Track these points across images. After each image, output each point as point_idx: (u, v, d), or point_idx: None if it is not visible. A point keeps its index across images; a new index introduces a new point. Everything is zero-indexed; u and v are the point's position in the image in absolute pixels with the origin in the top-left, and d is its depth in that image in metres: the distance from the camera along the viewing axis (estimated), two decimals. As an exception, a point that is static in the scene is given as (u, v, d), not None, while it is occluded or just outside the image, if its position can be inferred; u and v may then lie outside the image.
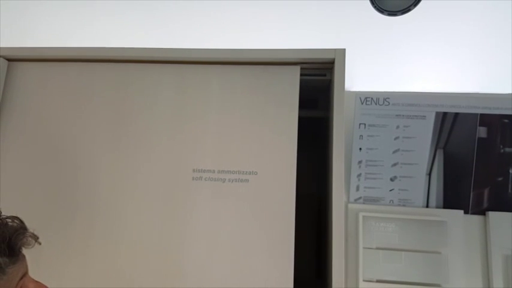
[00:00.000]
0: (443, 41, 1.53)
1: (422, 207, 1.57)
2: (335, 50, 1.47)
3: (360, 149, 1.61)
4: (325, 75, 1.53)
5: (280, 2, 1.44)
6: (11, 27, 1.68)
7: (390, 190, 1.58)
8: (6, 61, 1.62)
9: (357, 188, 1.60)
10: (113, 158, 1.48)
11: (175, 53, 1.52)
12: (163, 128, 1.49)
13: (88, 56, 1.57)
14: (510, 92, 1.58)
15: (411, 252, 1.51)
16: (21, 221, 0.87)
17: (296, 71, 1.48)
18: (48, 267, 1.41)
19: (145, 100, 1.52)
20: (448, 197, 1.56)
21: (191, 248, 1.39)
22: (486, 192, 1.54)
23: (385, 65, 1.66)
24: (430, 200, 1.56)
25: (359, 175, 1.60)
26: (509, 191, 1.53)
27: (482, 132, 1.55)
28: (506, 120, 1.55)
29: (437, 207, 1.56)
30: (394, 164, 1.59)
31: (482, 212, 1.54)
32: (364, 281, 1.51)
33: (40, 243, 0.88)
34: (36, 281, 0.89)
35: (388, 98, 1.61)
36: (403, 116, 1.60)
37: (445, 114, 1.57)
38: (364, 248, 1.53)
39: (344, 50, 1.46)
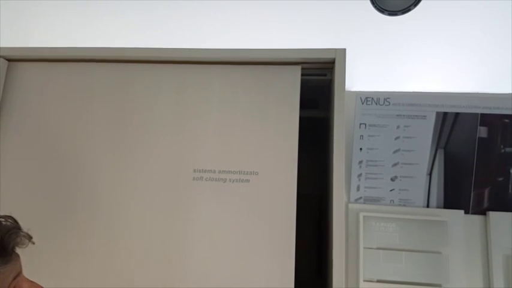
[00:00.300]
0: (444, 40, 1.53)
1: (423, 207, 1.57)
2: (335, 49, 1.47)
3: (361, 149, 1.61)
4: (325, 75, 1.53)
5: (280, 2, 1.44)
6: (11, 27, 1.68)
7: (391, 190, 1.58)
8: (6, 61, 1.62)
9: (358, 188, 1.60)
10: (113, 158, 1.48)
11: (175, 53, 1.52)
12: (163, 128, 1.49)
13: (88, 56, 1.57)
14: (510, 91, 1.58)
15: (412, 252, 1.51)
16: (15, 221, 0.86)
17: (297, 71, 1.48)
18: (48, 267, 1.41)
19: (146, 100, 1.52)
20: (448, 197, 1.55)
21: (192, 248, 1.38)
22: (487, 192, 1.54)
23: (386, 64, 1.65)
24: (430, 200, 1.56)
25: (359, 175, 1.60)
26: (510, 191, 1.53)
27: (482, 132, 1.55)
28: (506, 120, 1.55)
29: (437, 207, 1.56)
30: (395, 164, 1.59)
31: (482, 212, 1.54)
32: (364, 281, 1.51)
33: (34, 243, 0.87)
34: (31, 281, 0.89)
35: (389, 98, 1.61)
36: (403, 116, 1.59)
37: (445, 114, 1.57)
38: (364, 248, 1.53)
39: (344, 49, 1.46)
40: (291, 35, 1.60)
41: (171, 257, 1.39)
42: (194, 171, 1.44)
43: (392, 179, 1.58)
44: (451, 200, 1.55)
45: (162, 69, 1.54)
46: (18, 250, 0.86)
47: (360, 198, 1.59)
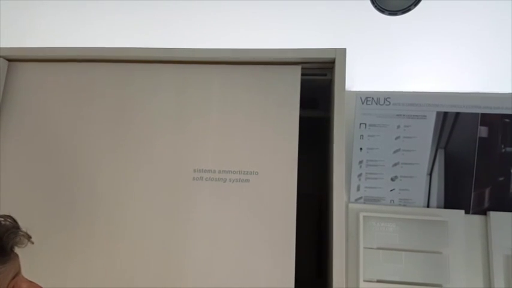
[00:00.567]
0: (444, 40, 1.53)
1: (423, 207, 1.56)
2: (335, 49, 1.47)
3: (361, 148, 1.61)
4: (325, 75, 1.53)
5: (280, 2, 1.44)
6: (11, 27, 1.68)
7: (391, 190, 1.58)
8: (7, 61, 1.62)
9: (358, 188, 1.60)
10: (114, 158, 1.48)
11: (176, 52, 1.52)
12: (163, 128, 1.48)
13: (88, 56, 1.57)
14: (511, 91, 1.57)
15: (412, 252, 1.50)
16: (14, 220, 0.86)
17: (297, 71, 1.48)
18: (48, 267, 1.41)
19: (146, 100, 1.52)
20: (449, 197, 1.55)
21: (192, 248, 1.38)
22: (487, 192, 1.54)
23: (386, 64, 1.65)
24: (431, 200, 1.56)
25: (360, 175, 1.60)
26: (511, 190, 1.53)
27: (483, 131, 1.55)
28: (507, 120, 1.55)
29: (438, 207, 1.56)
30: (395, 164, 1.58)
31: (483, 212, 1.54)
32: (364, 281, 1.51)
33: (33, 243, 0.87)
34: (30, 281, 0.88)
35: (389, 98, 1.61)
36: (403, 115, 1.59)
37: (445, 113, 1.57)
38: (364, 248, 1.53)
39: (345, 49, 1.46)
40: (291, 35, 1.59)
41: (171, 257, 1.38)
42: (194, 171, 1.44)
43: (392, 179, 1.58)
44: (452, 200, 1.55)
45: (162, 69, 1.53)
46: (17, 250, 0.86)
47: (360, 198, 1.59)
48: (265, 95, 1.47)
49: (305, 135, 1.47)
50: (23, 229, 0.86)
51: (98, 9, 1.55)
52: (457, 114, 1.57)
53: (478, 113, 1.56)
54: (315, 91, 1.60)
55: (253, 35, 1.62)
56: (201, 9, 1.50)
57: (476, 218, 1.54)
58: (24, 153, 1.54)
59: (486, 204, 1.54)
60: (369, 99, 1.62)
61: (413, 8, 1.40)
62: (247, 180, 1.41)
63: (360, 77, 1.65)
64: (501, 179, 1.54)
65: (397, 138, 1.59)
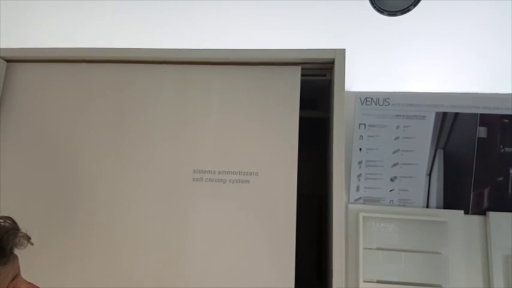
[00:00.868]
0: (443, 40, 1.53)
1: (423, 207, 1.56)
2: (335, 50, 1.47)
3: (360, 149, 1.61)
4: (325, 75, 1.53)
5: (280, 2, 1.44)
6: (10, 27, 1.68)
7: (390, 190, 1.58)
8: (5, 62, 1.62)
9: (357, 189, 1.60)
10: (114, 159, 1.48)
11: (176, 53, 1.52)
12: (164, 129, 1.48)
13: (88, 57, 1.57)
14: (510, 91, 1.58)
15: (411, 253, 1.50)
16: (14, 222, 0.86)
17: (297, 72, 1.48)
18: (48, 268, 1.41)
19: (146, 101, 1.52)
20: (448, 197, 1.55)
21: (192, 248, 1.38)
22: (486, 192, 1.54)
23: (385, 65, 1.65)
24: (430, 200, 1.56)
25: (359, 175, 1.60)
26: (510, 191, 1.53)
27: (482, 132, 1.55)
28: (506, 120, 1.55)
29: (437, 207, 1.56)
30: (394, 164, 1.58)
31: (482, 212, 1.54)
32: (364, 281, 1.50)
33: (32, 244, 0.87)
34: (29, 283, 0.88)
35: (388, 98, 1.61)
36: (403, 116, 1.59)
37: (445, 114, 1.57)
38: (364, 248, 1.53)
39: (344, 50, 1.46)
40: (291, 35, 1.60)
41: (171, 257, 1.38)
42: (194, 171, 1.44)
43: (392, 179, 1.58)
44: (451, 200, 1.55)
45: (162, 70, 1.53)
46: (16, 251, 0.86)
47: (360, 198, 1.59)
48: (265, 95, 1.47)
49: (305, 135, 1.47)
50: (23, 230, 0.86)
51: (97, 10, 1.55)
52: (456, 114, 1.57)
53: (477, 114, 1.56)
54: (314, 92, 1.60)
55: (253, 35, 1.62)
56: (201, 10, 1.50)
57: (476, 218, 1.54)
58: (23, 154, 1.53)
59: (485, 205, 1.54)
60: (368, 99, 1.61)
61: (413, 8, 1.40)
62: (247, 181, 1.41)
63: (359, 78, 1.65)
64: (500, 179, 1.54)
65: (396, 138, 1.59)
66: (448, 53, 1.58)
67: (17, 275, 0.86)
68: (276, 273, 1.33)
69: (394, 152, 1.59)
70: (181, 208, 1.42)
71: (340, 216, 1.37)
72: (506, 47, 1.51)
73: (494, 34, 1.49)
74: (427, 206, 1.56)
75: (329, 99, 1.53)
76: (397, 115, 1.60)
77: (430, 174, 1.57)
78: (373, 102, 1.61)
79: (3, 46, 1.61)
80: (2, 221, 0.84)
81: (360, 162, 1.60)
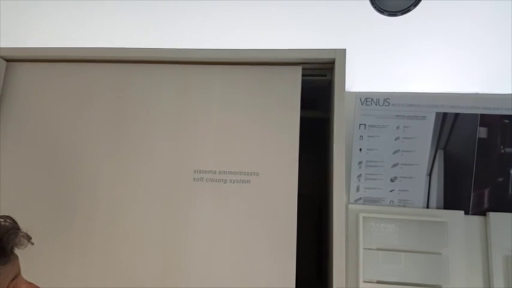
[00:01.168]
0: (444, 41, 1.53)
1: (423, 207, 1.56)
2: (335, 50, 1.47)
3: (360, 149, 1.61)
4: (325, 75, 1.53)
5: (280, 2, 1.44)
6: (10, 27, 1.67)
7: (390, 191, 1.58)
8: (5, 61, 1.61)
9: (357, 189, 1.60)
10: (114, 159, 1.48)
11: (176, 53, 1.52)
12: (164, 129, 1.48)
13: (88, 57, 1.57)
14: (510, 92, 1.58)
15: (411, 253, 1.51)
16: (14, 221, 0.86)
17: (298, 72, 1.48)
18: (49, 267, 1.41)
19: (147, 101, 1.51)
20: (448, 198, 1.55)
21: (192, 248, 1.38)
22: (486, 192, 1.54)
23: (385, 65, 1.65)
24: (430, 201, 1.56)
25: (359, 176, 1.60)
26: (510, 191, 1.53)
27: (482, 132, 1.55)
28: (506, 121, 1.55)
29: (437, 207, 1.56)
30: (394, 165, 1.58)
31: (482, 213, 1.54)
32: (364, 282, 1.50)
33: (33, 244, 0.86)
34: (30, 283, 0.88)
35: (388, 99, 1.61)
36: (403, 116, 1.59)
37: (445, 114, 1.57)
38: (364, 248, 1.53)
39: (344, 50, 1.46)
40: (291, 36, 1.59)
41: (171, 257, 1.38)
42: (194, 171, 1.43)
43: (392, 180, 1.58)
44: (451, 201, 1.55)
45: (163, 70, 1.53)
46: (17, 251, 0.85)
47: (360, 198, 1.59)
48: (266, 95, 1.47)
49: (305, 135, 1.47)
50: (23, 230, 0.86)
51: (98, 10, 1.55)
52: (457, 115, 1.57)
53: (477, 114, 1.56)
54: (314, 91, 1.60)
55: (254, 35, 1.61)
56: (202, 10, 1.50)
57: (476, 219, 1.54)
58: (23, 153, 1.53)
59: (485, 205, 1.54)
60: (369, 99, 1.62)
61: (413, 8, 1.40)
62: (248, 181, 1.41)
63: (359, 78, 1.64)
64: (500, 179, 1.54)
65: (396, 139, 1.59)
66: (448, 53, 1.57)
67: (17, 275, 0.85)
68: (277, 273, 1.33)
69: (394, 153, 1.59)
70: (181, 208, 1.41)
71: (340, 217, 1.36)
72: (506, 47, 1.51)
73: (494, 34, 1.49)
74: (427, 207, 1.56)
75: (329, 99, 1.53)
76: (397, 115, 1.60)
77: (430, 175, 1.57)
78: (373, 102, 1.61)
79: (3, 46, 1.60)
80: (2, 220, 0.84)
81: (360, 163, 1.60)
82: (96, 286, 1.38)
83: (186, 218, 1.40)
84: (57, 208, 1.47)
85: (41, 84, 1.58)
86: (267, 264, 1.34)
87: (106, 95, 1.54)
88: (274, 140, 1.43)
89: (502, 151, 1.55)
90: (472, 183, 1.55)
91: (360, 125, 1.61)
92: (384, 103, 1.61)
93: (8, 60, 1.62)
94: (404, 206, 1.57)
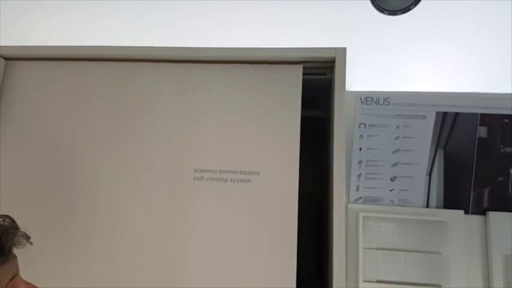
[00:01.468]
0: (444, 40, 1.53)
1: (423, 207, 1.56)
2: (335, 48, 1.47)
3: (360, 149, 1.60)
4: (325, 74, 1.52)
5: (281, 2, 1.43)
6: (10, 26, 1.67)
7: (390, 190, 1.58)
8: (4, 60, 1.61)
9: (357, 188, 1.59)
10: (114, 158, 1.47)
11: (176, 51, 1.51)
12: (164, 128, 1.48)
13: (88, 55, 1.56)
14: (510, 91, 1.58)
15: (411, 253, 1.50)
16: (13, 220, 0.86)
17: (298, 71, 1.48)
18: (48, 267, 1.40)
19: (147, 99, 1.51)
20: (448, 197, 1.55)
21: (193, 248, 1.38)
22: (486, 192, 1.54)
23: (385, 64, 1.65)
24: (430, 200, 1.56)
25: (359, 175, 1.60)
26: (510, 191, 1.53)
27: (482, 132, 1.55)
28: (506, 120, 1.55)
29: (437, 207, 1.56)
30: (394, 164, 1.58)
31: (482, 212, 1.54)
32: (364, 281, 1.50)
33: (31, 243, 0.86)
34: (28, 283, 0.88)
35: (388, 98, 1.61)
36: (403, 115, 1.59)
37: (445, 114, 1.57)
38: (364, 248, 1.53)
39: (345, 48, 1.46)
40: (291, 35, 1.59)
41: (171, 257, 1.38)
42: (195, 171, 1.43)
43: (392, 179, 1.58)
44: (451, 200, 1.55)
45: (163, 68, 1.53)
46: (16, 251, 0.85)
47: (360, 198, 1.59)
48: (267, 94, 1.47)
49: (305, 135, 1.47)
50: (22, 229, 0.86)
51: (98, 8, 1.54)
52: (457, 114, 1.57)
53: (477, 113, 1.56)
54: (314, 91, 1.60)
55: (254, 35, 1.61)
56: (202, 9, 1.50)
57: (476, 218, 1.54)
58: (22, 153, 1.52)
59: (485, 204, 1.54)
60: (369, 99, 1.61)
61: (413, 7, 1.40)
62: (249, 180, 1.40)
63: (359, 77, 1.64)
64: (500, 179, 1.54)
65: (396, 138, 1.59)
66: (448, 53, 1.58)
67: (15, 275, 0.85)
68: (278, 273, 1.33)
69: (394, 152, 1.59)
70: (182, 207, 1.41)
71: (340, 216, 1.36)
72: (506, 46, 1.51)
73: (494, 34, 1.49)
74: (427, 206, 1.56)
75: (329, 98, 1.53)
76: (397, 115, 1.60)
77: (430, 174, 1.57)
78: (373, 101, 1.61)
79: (2, 44, 1.59)
80: (1, 219, 0.84)
81: (360, 162, 1.60)
82: (96, 286, 1.37)
83: (186, 217, 1.40)
84: (57, 207, 1.46)
85: (40, 82, 1.58)
86: (268, 264, 1.34)
87: (106, 93, 1.53)
88: (274, 139, 1.43)
89: (502, 150, 1.55)
90: (472, 183, 1.55)
91: (360, 124, 1.61)
92: (384, 102, 1.61)
93: (6, 58, 1.61)
94: (404, 205, 1.57)
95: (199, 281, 1.35)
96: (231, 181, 1.41)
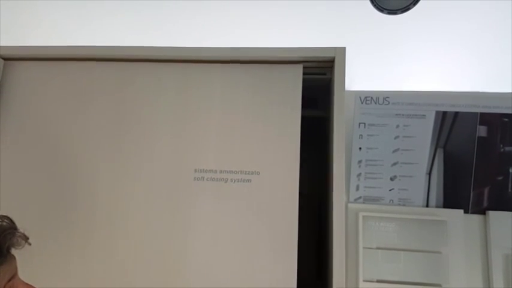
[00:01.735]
0: (443, 39, 1.53)
1: (422, 206, 1.56)
2: (335, 48, 1.46)
3: (360, 148, 1.60)
4: (325, 74, 1.52)
5: (280, 2, 1.43)
6: (9, 26, 1.66)
7: (390, 190, 1.58)
8: (3, 60, 1.60)
9: (357, 188, 1.59)
10: (114, 158, 1.47)
11: (177, 51, 1.51)
12: (164, 128, 1.48)
13: (88, 55, 1.56)
14: (510, 90, 1.58)
15: (411, 252, 1.50)
16: (12, 221, 0.85)
17: (299, 70, 1.48)
18: (48, 267, 1.40)
19: (147, 99, 1.51)
20: (448, 197, 1.55)
21: (193, 248, 1.38)
22: (486, 191, 1.54)
23: (385, 64, 1.65)
24: (430, 200, 1.56)
25: (359, 175, 1.60)
26: (510, 190, 1.53)
27: (482, 131, 1.55)
28: (506, 119, 1.55)
29: (437, 206, 1.55)
30: (394, 164, 1.58)
31: (482, 212, 1.54)
32: (364, 281, 1.50)
33: (30, 244, 0.86)
34: (27, 283, 0.87)
35: (388, 97, 1.61)
36: (402, 115, 1.59)
37: (445, 113, 1.57)
38: (364, 248, 1.53)
39: (344, 48, 1.46)
40: (291, 35, 1.59)
41: (171, 257, 1.38)
42: (195, 171, 1.43)
43: (391, 179, 1.58)
44: (451, 200, 1.55)
45: (163, 68, 1.52)
46: (14, 251, 0.85)
47: (359, 197, 1.59)
48: (267, 94, 1.46)
49: (304, 134, 1.47)
50: (21, 230, 0.85)
51: (98, 8, 1.54)
52: (456, 113, 1.57)
53: (477, 113, 1.56)
54: (314, 90, 1.60)
55: (254, 35, 1.61)
56: (202, 9, 1.50)
57: (476, 218, 1.54)
58: (22, 153, 1.52)
59: (485, 204, 1.54)
60: (368, 98, 1.61)
61: (413, 7, 1.40)
62: (249, 180, 1.40)
63: (359, 77, 1.64)
64: (500, 178, 1.54)
65: (396, 137, 1.59)
66: (448, 52, 1.58)
67: (14, 276, 0.85)
68: (278, 273, 1.33)
69: (394, 151, 1.59)
70: (182, 207, 1.41)
71: (340, 216, 1.36)
72: (506, 46, 1.52)
73: (494, 34, 1.49)
74: (427, 205, 1.56)
75: (329, 98, 1.53)
76: (397, 114, 1.60)
77: (430, 174, 1.57)
78: (373, 101, 1.61)
79: (1, 44, 1.59)
80: (-1, 220, 0.84)
81: (359, 162, 1.60)
82: (96, 286, 1.37)
83: (186, 217, 1.40)
84: (57, 208, 1.46)
85: (40, 82, 1.57)
86: (268, 264, 1.34)
87: (106, 93, 1.53)
88: (275, 139, 1.43)
89: (502, 150, 1.55)
90: (472, 182, 1.55)
91: (359, 123, 1.61)
92: (383, 102, 1.61)
93: (5, 58, 1.61)
94: (404, 204, 1.57)
95: (199, 281, 1.35)
96: (232, 181, 1.41)
